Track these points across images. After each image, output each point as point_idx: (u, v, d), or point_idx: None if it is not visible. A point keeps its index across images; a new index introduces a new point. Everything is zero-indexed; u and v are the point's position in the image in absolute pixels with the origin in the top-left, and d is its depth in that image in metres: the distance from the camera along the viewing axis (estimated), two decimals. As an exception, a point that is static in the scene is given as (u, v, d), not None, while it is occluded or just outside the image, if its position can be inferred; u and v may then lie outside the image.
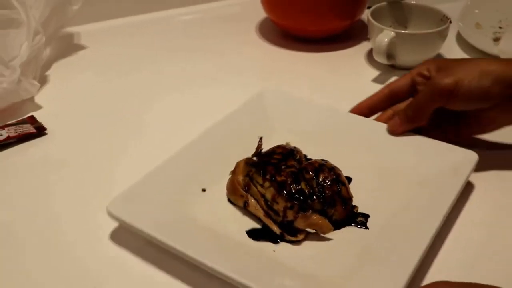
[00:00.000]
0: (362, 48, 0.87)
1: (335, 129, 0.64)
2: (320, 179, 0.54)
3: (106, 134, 0.69)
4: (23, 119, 0.70)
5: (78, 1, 0.81)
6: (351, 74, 0.81)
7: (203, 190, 0.57)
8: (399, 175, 0.59)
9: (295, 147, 0.59)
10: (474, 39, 0.85)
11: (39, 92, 0.75)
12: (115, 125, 0.71)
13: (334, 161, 0.57)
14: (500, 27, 0.90)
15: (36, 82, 0.72)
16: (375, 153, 0.61)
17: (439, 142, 0.59)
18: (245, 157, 0.58)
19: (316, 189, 0.54)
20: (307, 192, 0.53)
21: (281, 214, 0.52)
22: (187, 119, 0.70)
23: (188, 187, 0.56)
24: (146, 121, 0.71)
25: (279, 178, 0.54)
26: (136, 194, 0.53)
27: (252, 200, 0.54)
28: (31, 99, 0.74)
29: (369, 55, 0.84)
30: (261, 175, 0.54)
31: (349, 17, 0.87)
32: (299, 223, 0.52)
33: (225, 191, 0.57)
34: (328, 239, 0.52)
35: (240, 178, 0.55)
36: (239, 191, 0.55)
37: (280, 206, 0.52)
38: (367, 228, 0.53)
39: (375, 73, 0.80)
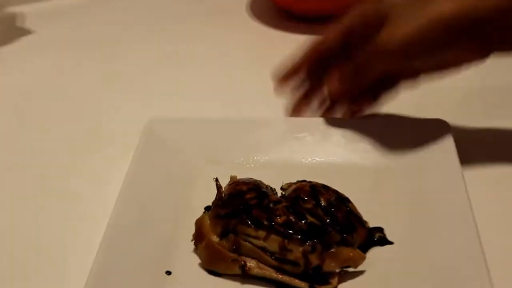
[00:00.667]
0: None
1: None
2: (324, 204, 0.48)
3: (53, 141, 0.62)
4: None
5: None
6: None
7: (168, 272, 0.47)
8: (380, 174, 0.55)
9: (250, 178, 0.53)
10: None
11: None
12: (68, 130, 0.64)
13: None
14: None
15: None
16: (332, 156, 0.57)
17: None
18: (197, 213, 0.50)
19: (326, 217, 0.48)
20: (320, 225, 0.47)
21: (301, 263, 0.45)
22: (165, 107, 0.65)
23: (149, 278, 0.46)
24: (109, 125, 0.64)
25: (279, 220, 0.47)
26: None
27: (251, 261, 0.46)
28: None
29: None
30: (251, 225, 0.47)
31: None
32: (329, 265, 0.46)
33: (195, 265, 0.48)
34: (363, 271, 0.46)
35: (216, 239, 0.48)
36: (227, 254, 0.47)
37: (296, 253, 0.46)
38: (392, 243, 0.49)
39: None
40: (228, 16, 0.84)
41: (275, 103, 0.63)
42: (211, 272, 0.47)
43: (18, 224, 0.52)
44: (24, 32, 0.80)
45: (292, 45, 0.71)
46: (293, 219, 0.47)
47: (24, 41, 0.79)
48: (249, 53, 0.78)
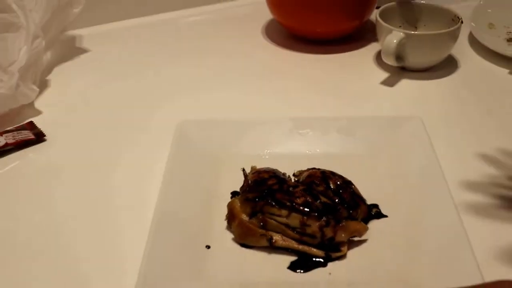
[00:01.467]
0: (371, 49, 0.85)
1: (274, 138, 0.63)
2: (333, 187, 0.53)
3: (106, 140, 0.68)
4: (21, 125, 0.69)
5: (80, 4, 0.80)
6: (359, 77, 0.80)
7: (207, 247, 0.52)
8: (370, 161, 0.61)
9: (268, 168, 0.56)
10: (487, 40, 0.82)
11: (39, 97, 0.74)
12: (117, 131, 0.69)
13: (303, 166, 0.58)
14: (514, 27, 0.87)
15: (35, 87, 0.71)
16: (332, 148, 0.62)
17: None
18: (226, 197, 0.56)
19: (335, 197, 0.53)
20: (331, 204, 0.52)
21: (318, 235, 0.50)
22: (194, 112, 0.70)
23: (193, 252, 0.51)
24: (149, 126, 0.70)
25: (299, 201, 0.51)
26: (151, 279, 0.47)
27: (277, 235, 0.51)
28: (31, 104, 0.72)
29: (378, 57, 0.81)
30: (275, 206, 0.51)
31: (357, 17, 0.85)
32: (340, 236, 0.51)
33: (229, 240, 0.52)
34: (366, 240, 0.52)
35: (246, 218, 0.52)
36: (257, 230, 0.51)
37: (314, 227, 0.50)
38: (386, 216, 0.54)
39: (384, 75, 0.78)
40: (247, 38, 0.90)
41: (283, 107, 0.71)
42: (243, 245, 0.52)
43: (78, 208, 0.57)
44: (81, 51, 0.86)
45: (297, 61, 0.82)
46: (310, 200, 0.51)
47: (81, 58, 0.85)
48: (264, 67, 0.83)
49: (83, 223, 0.56)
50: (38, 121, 0.70)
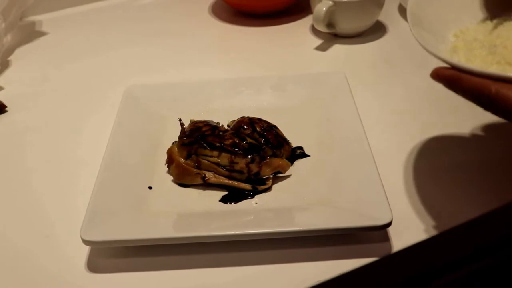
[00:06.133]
0: (307, 21, 0.92)
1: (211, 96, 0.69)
2: (259, 130, 0.58)
3: (64, 108, 0.73)
4: (-16, 98, 0.74)
5: (37, -10, 0.85)
6: (295, 44, 0.86)
7: (149, 187, 0.57)
8: (296, 111, 0.66)
9: (205, 120, 0.61)
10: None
11: (0, 76, 0.80)
12: (73, 102, 0.75)
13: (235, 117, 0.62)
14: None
15: (-4, 64, 0.77)
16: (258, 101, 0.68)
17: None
18: (168, 146, 0.60)
19: (260, 139, 0.58)
20: (257, 144, 0.57)
21: (245, 171, 0.55)
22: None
23: (137, 191, 0.56)
24: (102, 101, 0.74)
25: (227, 142, 0.57)
26: (98, 214, 0.51)
27: (209, 173, 0.56)
28: (-8, 81, 0.78)
29: (313, 27, 0.88)
30: (207, 148, 0.57)
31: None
32: (265, 171, 0.56)
33: (169, 181, 0.58)
34: (289, 175, 0.57)
35: (183, 160, 0.57)
36: (192, 170, 0.56)
37: (241, 164, 0.55)
38: (309, 155, 0.59)
39: (318, 42, 0.85)
40: (195, 17, 0.95)
41: (220, 70, 0.78)
42: (181, 184, 0.57)
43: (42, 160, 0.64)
44: (40, 34, 0.91)
45: (241, 35, 0.87)
46: (237, 141, 0.56)
47: (40, 40, 0.90)
48: (210, 42, 0.88)
49: (43, 173, 0.62)
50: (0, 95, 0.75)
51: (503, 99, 0.39)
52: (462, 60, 0.48)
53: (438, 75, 0.44)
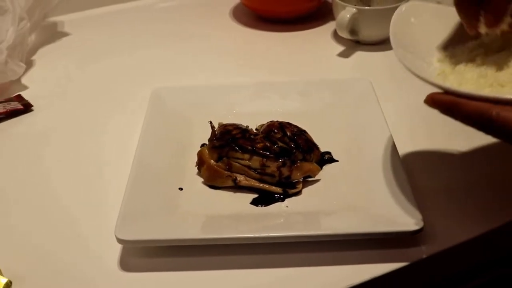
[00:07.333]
0: (329, 27, 0.92)
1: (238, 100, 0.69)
2: (289, 134, 0.59)
3: (89, 109, 0.74)
4: (10, 98, 0.75)
5: (61, -9, 0.86)
6: (318, 50, 0.87)
7: (180, 189, 0.57)
8: (324, 116, 0.66)
9: (234, 123, 0.61)
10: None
11: (25, 75, 0.80)
12: (98, 101, 0.75)
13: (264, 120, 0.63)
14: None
15: (22, 64, 0.77)
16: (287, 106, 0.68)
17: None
18: (197, 148, 0.61)
19: (291, 143, 0.58)
20: (287, 148, 0.58)
21: (276, 174, 0.56)
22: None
23: (167, 193, 0.56)
24: (127, 98, 0.75)
25: (259, 146, 0.57)
26: (131, 214, 0.52)
27: (240, 176, 0.56)
28: (18, 81, 0.79)
29: (336, 33, 0.88)
30: (238, 150, 0.57)
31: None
32: (295, 175, 0.56)
33: (199, 183, 0.58)
34: (319, 180, 0.57)
35: (214, 163, 0.57)
36: (223, 172, 0.56)
37: (272, 168, 0.56)
38: (337, 160, 0.60)
39: (340, 48, 0.86)
40: (216, 20, 0.96)
41: (242, 74, 0.78)
42: (211, 186, 0.57)
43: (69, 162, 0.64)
44: (62, 35, 0.92)
45: (261, 40, 0.88)
46: (269, 145, 0.57)
47: (63, 40, 0.91)
48: (233, 46, 0.89)
49: (70, 177, 0.62)
50: (25, 95, 0.76)
51: (505, 122, 0.39)
52: (454, 84, 0.47)
53: (434, 101, 0.43)
